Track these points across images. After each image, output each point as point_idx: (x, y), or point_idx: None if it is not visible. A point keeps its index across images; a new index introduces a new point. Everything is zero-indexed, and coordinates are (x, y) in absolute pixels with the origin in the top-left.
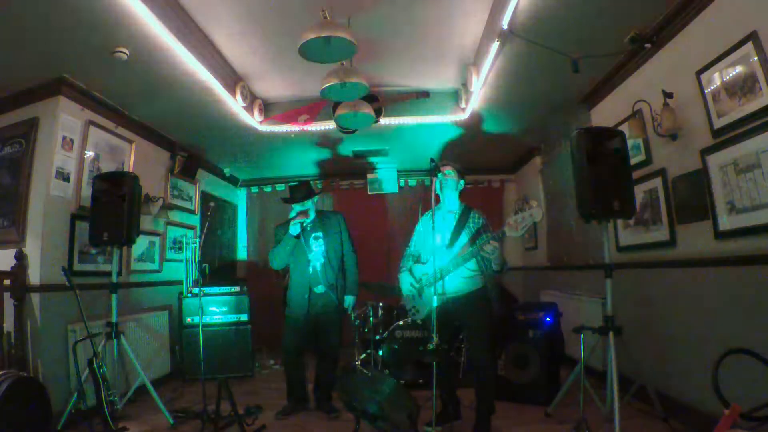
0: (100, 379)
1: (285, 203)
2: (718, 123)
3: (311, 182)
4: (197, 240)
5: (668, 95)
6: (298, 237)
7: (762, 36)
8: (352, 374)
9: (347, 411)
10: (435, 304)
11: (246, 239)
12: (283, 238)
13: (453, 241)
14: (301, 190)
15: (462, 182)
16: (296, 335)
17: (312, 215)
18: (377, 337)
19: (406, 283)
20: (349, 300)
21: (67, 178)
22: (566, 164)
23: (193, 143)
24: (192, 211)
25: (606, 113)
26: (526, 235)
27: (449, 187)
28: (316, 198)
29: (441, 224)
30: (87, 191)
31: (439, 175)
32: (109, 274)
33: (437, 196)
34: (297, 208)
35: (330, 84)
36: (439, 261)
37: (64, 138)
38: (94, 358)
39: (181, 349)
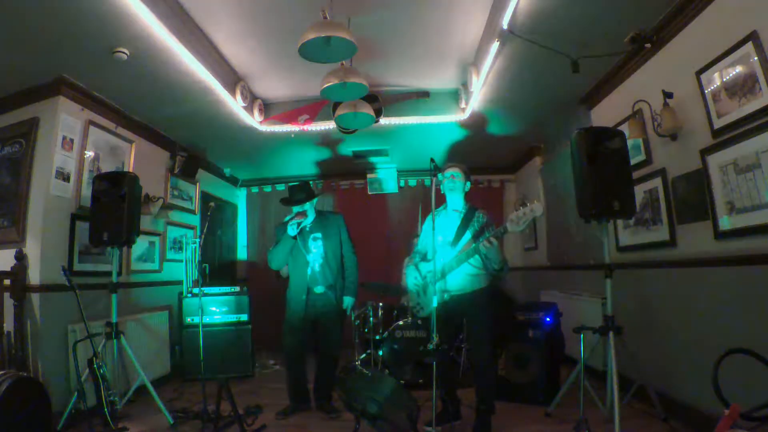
0: (100, 379)
1: (284, 205)
2: (718, 123)
3: (310, 183)
4: (197, 240)
5: (668, 95)
6: (295, 238)
7: (762, 36)
8: (352, 374)
9: (347, 411)
10: (435, 303)
11: (246, 239)
12: (282, 238)
13: (457, 239)
14: (300, 192)
15: (468, 183)
16: (296, 335)
17: (311, 216)
18: (377, 337)
19: (410, 277)
20: (347, 301)
21: (67, 178)
22: (566, 164)
23: (193, 143)
24: (192, 211)
25: (606, 113)
26: (527, 230)
27: (456, 189)
28: (315, 200)
29: (446, 223)
30: (87, 191)
31: (447, 175)
32: (109, 274)
33: (443, 196)
34: (296, 210)
35: (330, 84)
36: (443, 259)
37: (64, 138)
38: (94, 358)
39: (181, 349)
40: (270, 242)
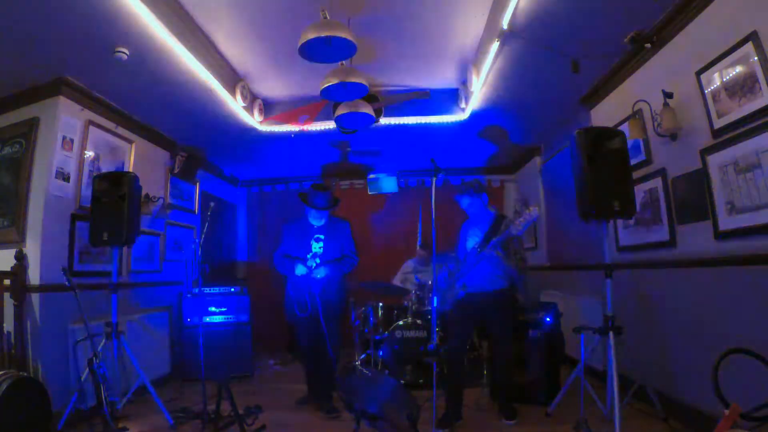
0: (100, 379)
1: (303, 202)
2: (718, 123)
3: (326, 185)
4: (197, 240)
5: (668, 95)
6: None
7: (762, 36)
8: (352, 374)
9: (347, 411)
10: (435, 304)
11: (246, 239)
12: (291, 263)
13: (484, 245)
14: (323, 197)
15: (485, 195)
16: (307, 332)
17: (323, 220)
18: (377, 337)
19: (441, 277)
20: (320, 269)
21: (67, 178)
22: (566, 164)
23: (193, 143)
24: (192, 211)
25: (606, 113)
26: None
27: (476, 207)
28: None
29: (476, 231)
30: (87, 191)
31: (464, 205)
32: (109, 274)
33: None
34: (314, 213)
35: (330, 84)
36: (470, 262)
37: (64, 138)
38: (94, 358)
39: (181, 349)
40: (272, 241)
